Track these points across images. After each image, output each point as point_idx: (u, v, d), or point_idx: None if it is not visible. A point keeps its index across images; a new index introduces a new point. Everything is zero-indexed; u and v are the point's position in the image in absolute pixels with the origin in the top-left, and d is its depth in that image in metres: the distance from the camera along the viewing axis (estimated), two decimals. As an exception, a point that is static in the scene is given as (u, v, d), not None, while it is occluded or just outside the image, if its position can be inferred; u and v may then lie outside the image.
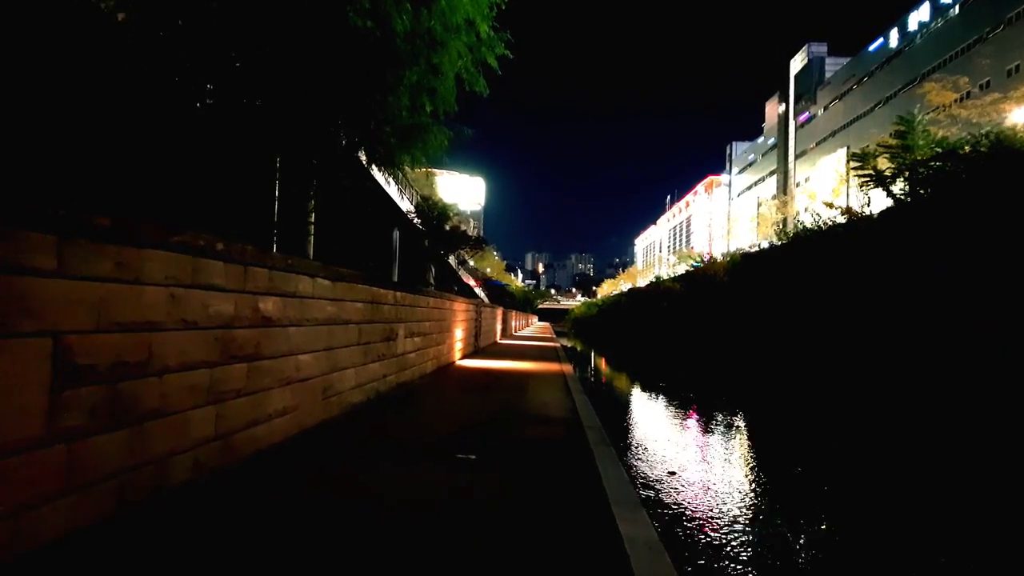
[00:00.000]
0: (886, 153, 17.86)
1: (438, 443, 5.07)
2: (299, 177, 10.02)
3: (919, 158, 16.53)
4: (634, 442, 9.45)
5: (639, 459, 8.19)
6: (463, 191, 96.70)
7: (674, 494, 6.52)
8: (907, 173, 16.66)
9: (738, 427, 11.56)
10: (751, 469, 8.17)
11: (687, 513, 5.91)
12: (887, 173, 17.34)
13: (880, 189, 17.42)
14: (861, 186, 18.26)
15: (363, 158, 9.43)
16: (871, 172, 17.77)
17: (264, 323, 4.34)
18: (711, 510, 6.05)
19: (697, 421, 11.92)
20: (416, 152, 7.90)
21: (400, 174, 18.58)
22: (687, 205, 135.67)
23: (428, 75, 7.80)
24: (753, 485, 7.34)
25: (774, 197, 72.76)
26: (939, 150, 16.59)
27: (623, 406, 14.24)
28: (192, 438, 3.51)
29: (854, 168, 18.91)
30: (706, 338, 27.83)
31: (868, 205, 17.81)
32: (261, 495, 3.43)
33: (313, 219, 12.09)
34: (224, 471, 3.79)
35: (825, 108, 71.70)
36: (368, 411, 6.42)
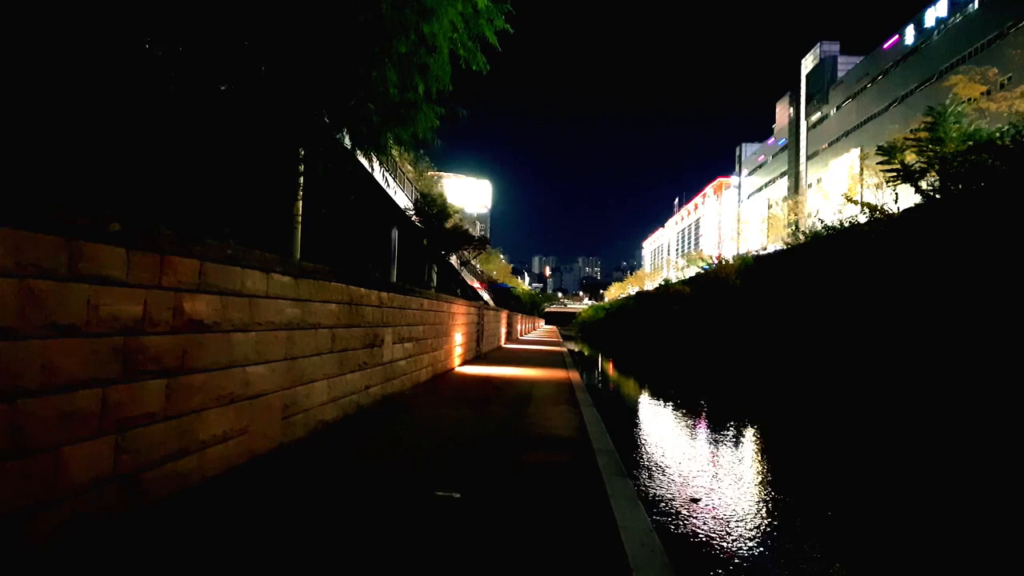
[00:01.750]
0: (914, 147, 16.77)
1: (417, 474, 4.16)
2: (281, 167, 9.15)
3: (951, 151, 15.45)
4: (649, 460, 8.50)
5: (657, 483, 7.24)
6: (470, 194, 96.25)
7: (702, 533, 5.57)
8: (937, 167, 15.60)
9: (761, 441, 10.59)
10: (783, 490, 7.22)
11: (722, 562, 4.97)
12: (915, 168, 16.26)
13: (908, 185, 16.34)
14: (888, 182, 17.17)
15: (348, 143, 8.54)
16: (898, 167, 16.67)
17: (193, 328, 3.45)
18: (746, 555, 5.11)
19: (716, 435, 10.94)
20: (403, 133, 7.02)
21: (397, 168, 17.73)
22: (696, 208, 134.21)
23: (420, 49, 6.92)
24: (793, 514, 6.39)
25: (785, 199, 71.42)
26: (971, 143, 15.53)
27: (635, 419, 13.27)
28: (70, 483, 2.62)
29: (879, 163, 17.82)
30: (718, 342, 26.79)
31: (896, 201, 16.75)
32: (154, 563, 2.53)
33: (300, 216, 11.24)
34: (123, 522, 2.89)
35: (838, 108, 70.29)
36: (341, 431, 5.52)
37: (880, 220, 17.01)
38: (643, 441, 9.98)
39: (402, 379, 8.32)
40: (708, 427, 11.59)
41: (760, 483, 7.59)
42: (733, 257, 36.32)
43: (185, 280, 3.36)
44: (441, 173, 55.51)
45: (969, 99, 20.93)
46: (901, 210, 16.67)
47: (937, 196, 15.73)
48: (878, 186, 26.48)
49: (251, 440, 4.18)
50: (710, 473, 7.88)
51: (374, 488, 3.78)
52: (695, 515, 6.01)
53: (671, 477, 7.49)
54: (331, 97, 6.55)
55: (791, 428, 11.80)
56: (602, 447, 5.45)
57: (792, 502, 6.79)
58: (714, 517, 6.05)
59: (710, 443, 10.09)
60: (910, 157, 16.76)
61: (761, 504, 6.59)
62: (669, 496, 6.63)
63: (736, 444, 10.17)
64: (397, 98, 6.86)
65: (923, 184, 16.17)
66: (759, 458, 9.18)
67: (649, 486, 7.00)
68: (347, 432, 5.48)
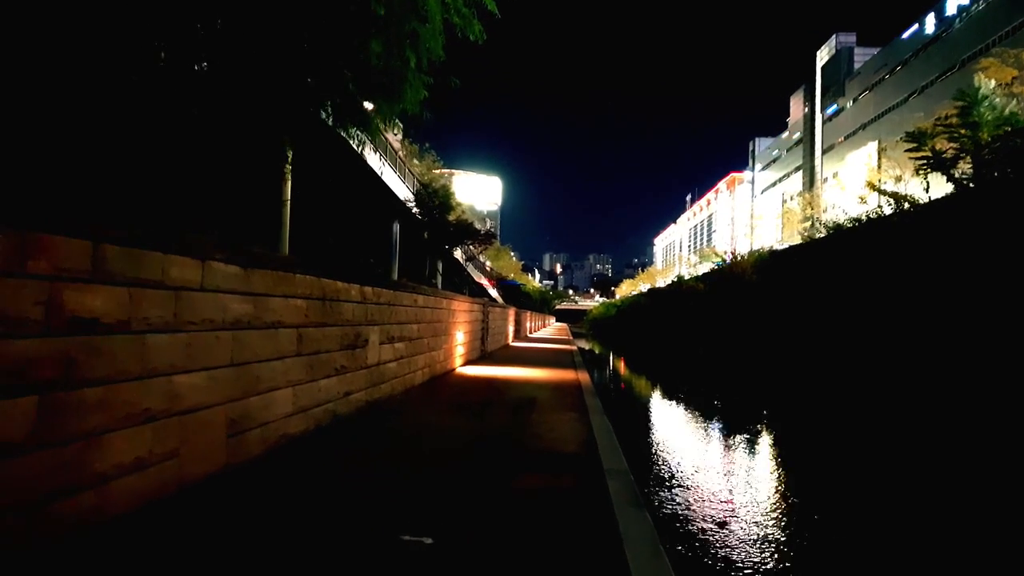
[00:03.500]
0: (944, 133, 15.74)
1: (385, 505, 3.36)
2: (261, 149, 8.40)
3: (986, 136, 14.42)
4: (667, 475, 7.67)
5: (677, 503, 6.41)
6: (479, 190, 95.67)
7: (734, 566, 4.74)
8: (972, 153, 14.58)
9: (788, 449, 9.72)
10: (818, 506, 6.36)
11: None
12: (947, 154, 15.23)
13: (939, 173, 15.32)
14: (917, 170, 16.15)
15: (340, 130, 7.72)
16: (928, 154, 15.65)
17: (82, 328, 2.67)
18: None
19: (738, 443, 10.08)
20: (388, 108, 6.23)
21: (398, 158, 16.94)
22: (708, 203, 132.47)
23: (409, 15, 6.13)
24: (833, 535, 5.54)
25: (800, 193, 69.85)
26: (1008, 128, 14.50)
27: (650, 426, 12.42)
28: None
29: (908, 150, 16.79)
30: (734, 340, 25.82)
31: (927, 191, 15.72)
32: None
33: (288, 200, 10.48)
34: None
35: (854, 100, 68.61)
36: (308, 446, 4.73)
37: (907, 212, 16.02)
38: (659, 452, 9.14)
39: (392, 383, 7.54)
40: (729, 434, 10.72)
41: (791, 498, 6.73)
42: (748, 253, 35.25)
43: (68, 267, 2.58)
44: (450, 170, 54.79)
45: (1002, 83, 19.79)
46: (930, 200, 15.65)
47: (971, 185, 14.73)
48: (898, 179, 25.39)
49: (182, 465, 3.40)
50: (736, 489, 7.04)
51: (325, 526, 2.99)
52: (723, 544, 5.18)
53: (693, 495, 6.65)
54: (299, 65, 5.77)
55: (820, 432, 10.90)
56: (613, 466, 4.63)
57: (831, 520, 5.94)
58: (742, 543, 5.22)
59: (732, 452, 9.23)
60: (940, 144, 15.74)
61: (795, 526, 5.74)
62: (692, 518, 5.80)
63: (760, 453, 9.31)
64: (380, 66, 6.05)
65: (956, 172, 15.16)
66: (787, 469, 8.31)
67: (668, 506, 6.17)
68: (314, 448, 4.70)
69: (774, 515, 6.06)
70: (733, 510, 6.09)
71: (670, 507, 6.12)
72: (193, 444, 3.50)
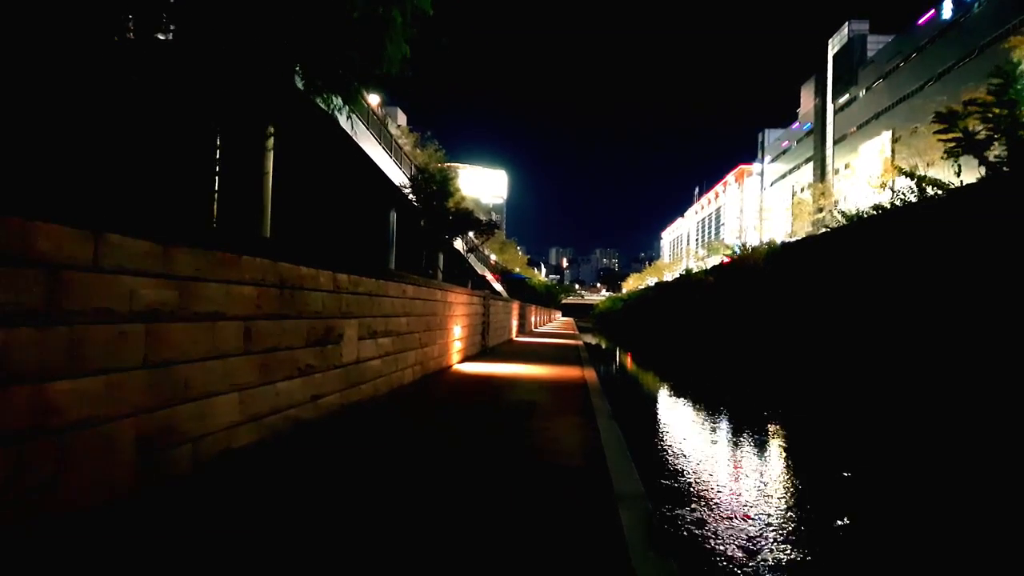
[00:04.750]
0: (977, 113, 14.72)
1: (321, 549, 2.54)
2: (241, 126, 7.64)
3: (1024, 116, 13.43)
4: (686, 489, 6.84)
5: (700, 524, 5.59)
6: (484, 184, 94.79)
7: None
8: (1007, 132, 13.59)
9: (813, 453, 8.87)
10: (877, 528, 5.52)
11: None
12: (980, 135, 14.23)
13: (971, 155, 14.33)
14: (947, 153, 15.16)
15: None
16: (959, 135, 14.65)
17: None
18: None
19: (762, 448, 9.24)
20: (365, 64, 5.39)
21: (393, 142, 16.08)
22: (716, 196, 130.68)
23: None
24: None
25: (810, 185, 68.43)
26: (1047, 107, 13.50)
27: (663, 431, 11.57)
28: None
29: (937, 132, 15.78)
30: (744, 333, 24.89)
31: (959, 175, 14.71)
32: None
33: (270, 181, 9.69)
34: None
35: (867, 89, 66.98)
36: (256, 461, 3.91)
37: (934, 199, 15.03)
38: (677, 462, 8.30)
39: (375, 383, 6.73)
40: (751, 439, 9.87)
41: (829, 512, 5.88)
42: (759, 244, 34.26)
43: None
44: (454, 164, 53.89)
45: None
46: (962, 184, 14.68)
47: (1005, 168, 13.73)
48: (913, 168, 24.50)
49: (62, 497, 2.60)
50: (762, 501, 6.19)
51: (236, 595, 2.17)
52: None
53: (724, 516, 5.80)
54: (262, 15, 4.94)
55: (865, 435, 10.03)
56: (626, 489, 3.79)
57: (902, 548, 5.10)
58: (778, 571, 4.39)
59: (759, 462, 8.39)
60: (972, 124, 14.73)
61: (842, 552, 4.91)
62: (723, 542, 4.97)
63: (782, 459, 8.47)
64: (357, 17, 5.21)
65: (989, 155, 14.17)
66: (817, 476, 7.46)
67: (692, 535, 5.34)
68: (263, 464, 3.88)
69: (811, 534, 5.23)
70: (764, 528, 5.25)
71: (695, 536, 5.28)
72: (81, 469, 2.70)
